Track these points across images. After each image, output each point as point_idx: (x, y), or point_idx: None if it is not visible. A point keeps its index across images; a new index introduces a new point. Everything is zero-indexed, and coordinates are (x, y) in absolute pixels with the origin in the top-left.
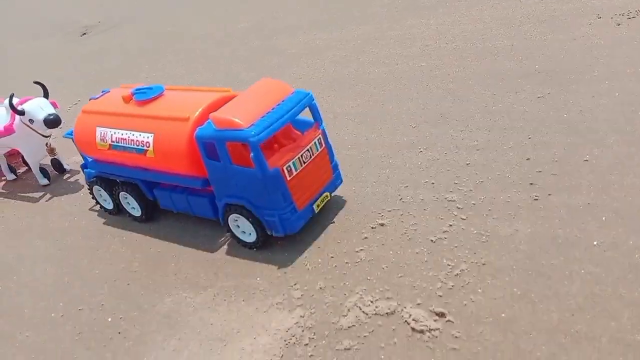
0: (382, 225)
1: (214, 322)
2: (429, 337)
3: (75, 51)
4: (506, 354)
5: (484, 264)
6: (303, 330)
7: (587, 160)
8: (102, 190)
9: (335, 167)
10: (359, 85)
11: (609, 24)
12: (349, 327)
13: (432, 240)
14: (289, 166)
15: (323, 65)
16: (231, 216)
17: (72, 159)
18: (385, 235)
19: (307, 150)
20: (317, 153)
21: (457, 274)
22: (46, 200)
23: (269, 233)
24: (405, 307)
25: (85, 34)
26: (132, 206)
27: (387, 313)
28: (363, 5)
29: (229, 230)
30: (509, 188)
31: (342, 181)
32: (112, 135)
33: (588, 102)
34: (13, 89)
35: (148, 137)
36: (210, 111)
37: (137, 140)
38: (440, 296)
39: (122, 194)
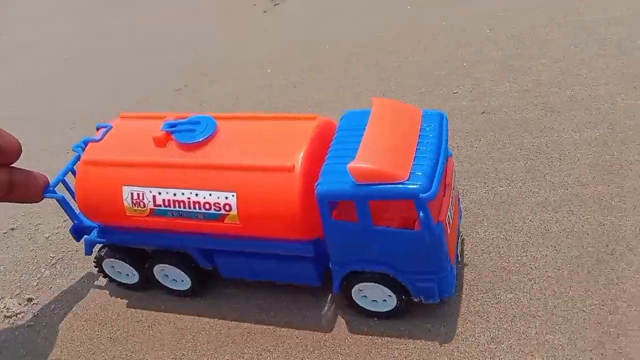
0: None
1: None
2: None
3: None
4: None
5: (77, 251)
6: None
7: None
8: (123, 263)
9: (457, 200)
10: None
11: (257, 11)
12: None
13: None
14: (448, 217)
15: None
16: (357, 285)
17: None
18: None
19: (453, 189)
20: (456, 190)
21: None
22: None
23: (416, 300)
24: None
25: None
26: (175, 279)
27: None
28: None
29: (351, 300)
30: None
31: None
32: (155, 196)
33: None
34: None
35: (227, 198)
36: (314, 152)
37: (206, 203)
38: (35, 285)
39: (159, 266)
